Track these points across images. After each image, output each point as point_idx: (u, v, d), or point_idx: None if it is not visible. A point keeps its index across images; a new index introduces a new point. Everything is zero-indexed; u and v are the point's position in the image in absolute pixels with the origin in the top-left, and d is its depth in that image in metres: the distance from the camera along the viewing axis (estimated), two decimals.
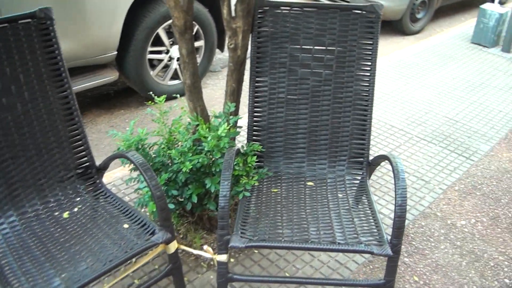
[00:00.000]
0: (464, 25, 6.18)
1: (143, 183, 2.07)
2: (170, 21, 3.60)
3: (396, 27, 5.89)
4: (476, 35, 5.46)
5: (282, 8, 2.20)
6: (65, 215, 1.89)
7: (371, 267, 2.36)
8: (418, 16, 5.96)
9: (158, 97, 2.22)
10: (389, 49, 5.41)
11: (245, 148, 2.20)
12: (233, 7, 2.12)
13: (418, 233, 2.62)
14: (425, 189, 2.97)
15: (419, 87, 4.32)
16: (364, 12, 2.19)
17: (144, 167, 1.76)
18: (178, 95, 3.06)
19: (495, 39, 5.38)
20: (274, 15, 2.20)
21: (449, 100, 4.13)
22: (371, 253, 1.76)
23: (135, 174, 2.23)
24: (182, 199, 2.16)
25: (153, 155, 2.17)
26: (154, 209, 1.93)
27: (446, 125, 3.72)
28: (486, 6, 5.37)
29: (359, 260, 2.39)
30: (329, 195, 2.16)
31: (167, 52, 3.78)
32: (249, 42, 2.23)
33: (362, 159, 2.30)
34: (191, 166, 1.97)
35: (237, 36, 2.12)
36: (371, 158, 2.31)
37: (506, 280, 2.37)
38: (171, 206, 2.04)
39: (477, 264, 2.45)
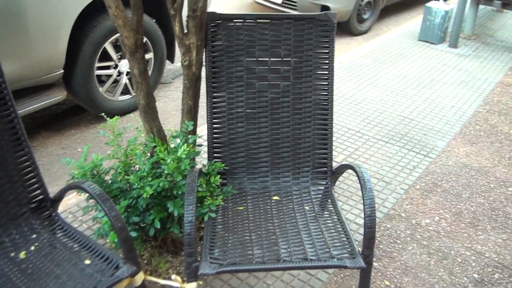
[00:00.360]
0: (410, 23, 6.32)
1: (101, 212, 1.96)
2: (117, 35, 3.48)
3: (344, 28, 5.95)
4: (423, 33, 5.59)
5: (235, 20, 2.15)
6: (22, 255, 1.77)
7: (342, 275, 2.34)
8: (365, 16, 6.05)
9: (109, 114, 2.12)
10: (338, 51, 5.45)
11: (207, 168, 2.13)
12: (184, 23, 2.05)
13: (385, 235, 2.62)
14: (387, 190, 2.99)
15: (372, 88, 4.37)
16: (318, 21, 2.16)
17: (102, 197, 1.67)
18: (132, 115, 2.95)
19: (441, 36, 5.53)
20: (227, 28, 2.15)
21: (402, 98, 4.19)
22: (345, 267, 1.74)
23: (92, 201, 2.13)
24: (144, 225, 2.07)
25: (110, 181, 2.07)
26: (116, 239, 1.84)
27: (402, 124, 3.76)
28: (431, 4, 5.50)
29: (329, 269, 2.36)
30: (295, 208, 2.13)
31: (116, 66, 3.66)
32: (204, 57, 2.16)
33: (325, 168, 2.28)
34: (152, 191, 1.88)
35: (191, 52, 2.05)
36: (334, 165, 2.29)
37: (475, 275, 2.40)
38: (133, 233, 1.94)
39: (445, 262, 2.47)
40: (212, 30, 2.14)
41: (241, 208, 2.12)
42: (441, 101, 4.18)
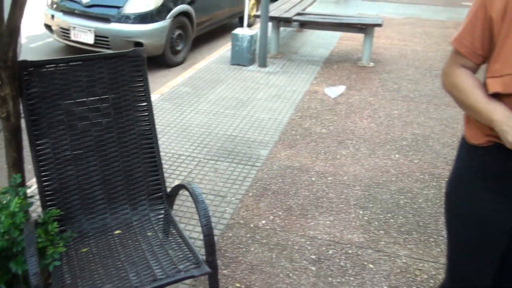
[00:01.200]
0: (222, 49, 6.80)
1: None
2: None
3: (160, 61, 6.16)
4: (234, 57, 6.07)
5: (47, 66, 2.18)
6: None
7: None
8: (178, 48, 6.35)
9: None
10: (158, 83, 5.63)
11: (42, 217, 2.11)
12: None
13: (229, 244, 2.83)
14: (224, 203, 3.22)
15: (195, 113, 4.62)
16: (128, 57, 2.31)
17: None
18: None
19: (251, 58, 6.06)
20: (40, 75, 2.17)
21: (224, 119, 4.51)
22: (192, 277, 1.88)
23: None
24: None
25: None
26: None
27: (228, 142, 4.06)
28: (237, 31, 6.01)
29: (182, 287, 2.48)
30: (139, 237, 2.21)
31: None
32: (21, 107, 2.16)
33: (160, 193, 2.41)
34: None
35: (7, 103, 2.03)
36: (169, 190, 2.43)
37: (313, 256, 2.73)
38: None
39: (285, 252, 2.76)
40: (25, 78, 2.14)
41: (85, 250, 2.14)
42: (259, 115, 4.61)
